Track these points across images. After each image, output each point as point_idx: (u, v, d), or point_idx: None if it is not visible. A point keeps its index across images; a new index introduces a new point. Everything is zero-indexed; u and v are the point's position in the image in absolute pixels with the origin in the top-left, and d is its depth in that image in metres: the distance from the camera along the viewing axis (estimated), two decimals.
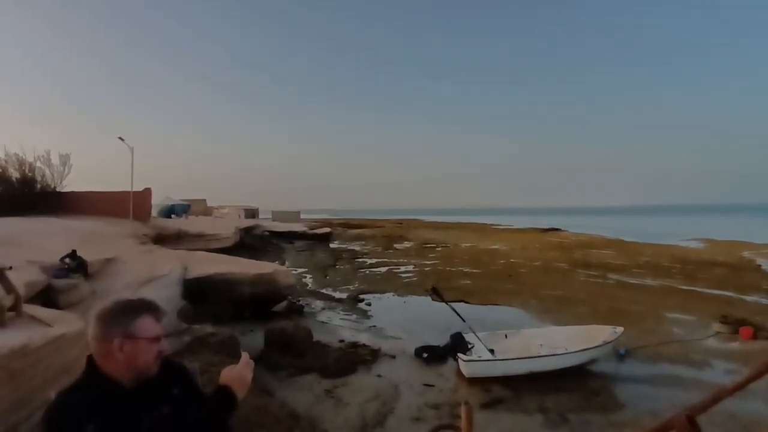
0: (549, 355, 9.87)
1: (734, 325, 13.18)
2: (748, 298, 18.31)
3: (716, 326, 13.46)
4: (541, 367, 9.65)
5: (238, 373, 1.92)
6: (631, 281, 22.35)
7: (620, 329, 10.76)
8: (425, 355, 10.99)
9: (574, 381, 9.56)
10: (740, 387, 1.19)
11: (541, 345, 10.81)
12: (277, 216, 70.69)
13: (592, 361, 10.18)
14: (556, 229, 66.98)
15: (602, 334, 10.72)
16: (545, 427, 7.76)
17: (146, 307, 1.83)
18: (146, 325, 1.77)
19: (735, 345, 12.26)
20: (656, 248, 38.80)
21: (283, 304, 15.61)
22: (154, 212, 36.59)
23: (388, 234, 58.02)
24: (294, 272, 22.27)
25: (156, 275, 13.00)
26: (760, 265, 28.15)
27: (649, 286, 21.16)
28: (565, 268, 26.71)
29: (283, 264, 26.20)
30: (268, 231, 44.36)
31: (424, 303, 17.55)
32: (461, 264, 29.03)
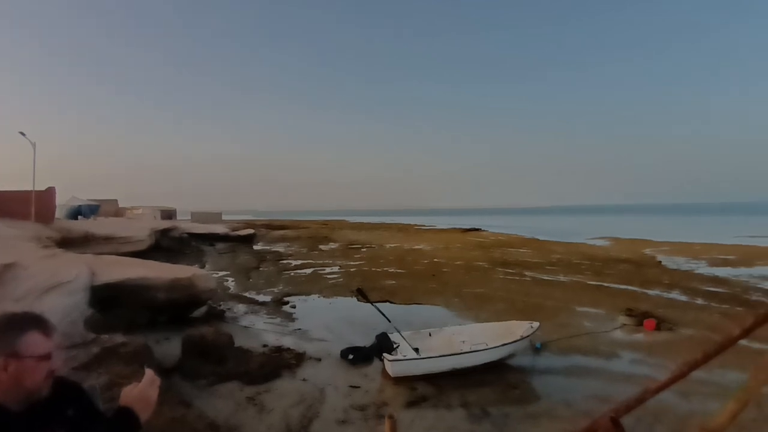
0: (471, 352, 10.16)
1: (639, 317, 14.24)
2: (651, 292, 19.86)
3: (622, 319, 14.48)
4: (463, 364, 9.91)
5: (141, 393, 1.75)
6: (545, 278, 23.56)
7: (536, 324, 11.28)
8: (351, 356, 10.94)
9: (494, 375, 9.91)
10: (663, 388, 1.24)
11: (463, 342, 11.11)
12: (197, 217, 67.86)
13: (511, 355, 10.61)
14: (477, 229, 69.37)
15: (520, 329, 11.19)
16: (468, 422, 7.96)
17: (33, 322, 1.62)
18: (33, 342, 1.57)
19: (639, 336, 13.25)
20: (568, 246, 41.22)
21: (203, 309, 14.97)
22: (58, 213, 33.87)
23: (314, 235, 57.51)
24: (214, 275, 21.43)
25: (60, 281, 11.99)
26: (660, 261, 30.66)
27: (561, 282, 22.41)
28: (485, 267, 27.70)
29: (203, 267, 25.17)
30: (186, 233, 42.44)
31: (350, 304, 17.51)
32: (386, 264, 29.30)
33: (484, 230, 68.18)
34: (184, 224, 50.42)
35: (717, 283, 22.18)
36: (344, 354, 11.11)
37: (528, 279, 23.30)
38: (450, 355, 10.04)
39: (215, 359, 10.12)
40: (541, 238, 51.13)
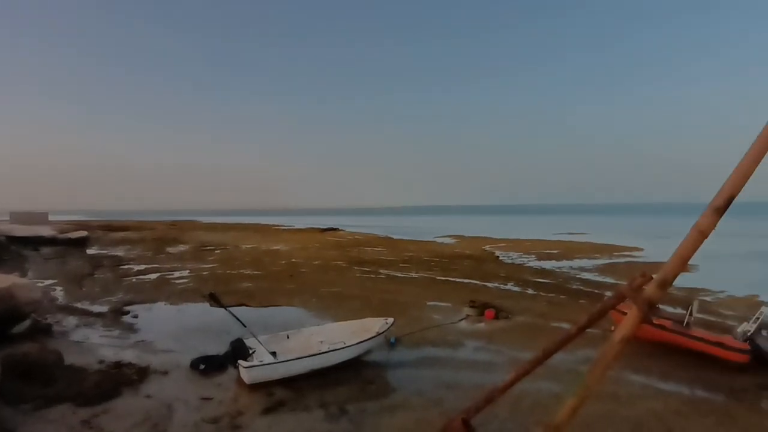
0: (328, 352, 10.21)
1: (480, 308, 15.57)
2: (490, 284, 21.84)
3: (466, 310, 15.70)
4: (322, 364, 9.93)
5: None
6: (399, 275, 24.66)
7: (391, 320, 11.72)
8: (203, 366, 10.33)
9: (351, 373, 10.09)
10: (508, 387, 1.33)
11: (321, 342, 11.13)
12: (17, 218, 58.70)
13: (368, 351, 10.89)
14: (335, 229, 70.20)
15: (376, 325, 11.54)
16: (326, 422, 7.99)
17: None
18: None
19: (481, 325, 14.48)
20: (419, 245, 43.63)
21: (26, 323, 12.98)
22: None
23: (160, 237, 53.23)
24: (39, 285, 18.74)
25: None
26: (498, 257, 33.89)
27: (413, 278, 23.64)
28: (343, 266, 28.13)
29: (24, 275, 21.85)
30: (4, 236, 36.55)
31: (201, 310, 16.52)
32: (242, 266, 28.25)
33: (341, 230, 69.20)
34: (1, 226, 43.47)
35: (544, 274, 25.17)
36: (195, 364, 10.45)
37: (383, 276, 24.15)
38: (307, 356, 9.99)
39: (42, 380, 8.87)
40: (395, 237, 53.41)
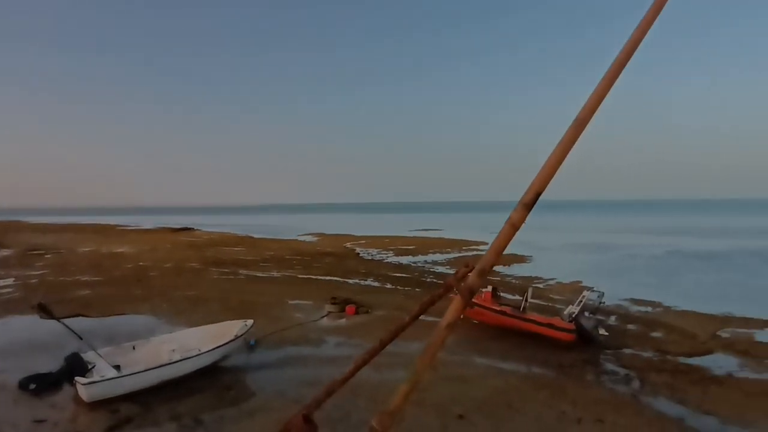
0: (181, 360, 9.62)
1: (341, 304, 15.83)
2: (351, 281, 22.30)
3: (328, 307, 15.86)
4: (174, 374, 9.32)
5: None
6: (259, 275, 24.05)
7: (250, 321, 11.40)
8: (33, 386, 9.11)
9: (207, 380, 9.63)
10: (347, 378, 1.38)
11: (173, 350, 10.43)
12: None
13: (226, 357, 10.47)
14: (189, 229, 66.14)
15: (234, 328, 11.13)
16: None
17: None
18: None
19: (343, 321, 14.72)
20: (281, 243, 42.98)
21: None
22: None
23: None
24: None
25: None
26: (358, 253, 34.69)
27: (275, 277, 23.24)
28: (198, 268, 26.65)
29: None
30: None
31: (29, 323, 14.47)
32: (79, 272, 25.29)
33: (196, 229, 65.41)
34: None
35: (401, 269, 26.38)
36: (24, 384, 9.17)
37: (242, 277, 23.37)
38: (156, 367, 9.30)
39: None
40: (255, 236, 51.90)
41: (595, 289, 14.41)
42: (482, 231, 53.53)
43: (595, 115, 1.21)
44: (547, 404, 8.98)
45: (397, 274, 24.23)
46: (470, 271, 1.29)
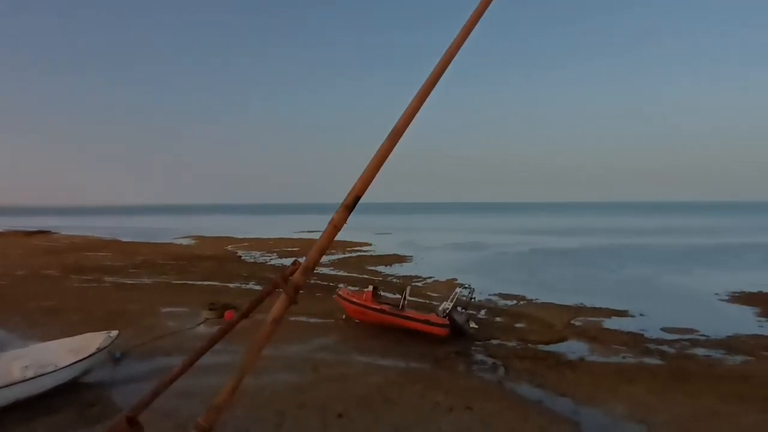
0: (35, 377, 8.69)
1: (220, 310, 15.23)
2: (232, 285, 21.54)
3: (206, 313, 15.20)
4: (27, 393, 8.40)
5: None
6: (128, 282, 22.35)
7: (115, 332, 10.57)
8: None
9: (67, 398, 8.79)
10: (176, 377, 1.40)
11: (26, 367, 9.36)
12: None
13: (87, 371, 9.62)
14: (46, 232, 59.39)
15: (96, 341, 10.24)
16: None
17: None
18: None
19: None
20: (154, 247, 40.21)
21: None
22: None
23: None
24: None
25: None
26: (240, 256, 33.59)
27: (145, 284, 21.73)
28: (57, 275, 24.10)
29: None
30: None
31: None
32: None
33: (54, 233, 58.90)
34: None
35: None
36: None
37: (108, 284, 21.55)
38: (6, 386, 8.32)
39: None
40: (123, 239, 48.03)
41: (466, 285, 15.45)
42: (365, 232, 54.53)
43: (410, 125, 1.32)
44: (422, 396, 9.47)
45: None
46: (297, 269, 1.39)
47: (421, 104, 1.33)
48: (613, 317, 16.57)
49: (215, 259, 31.37)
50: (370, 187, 1.39)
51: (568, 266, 29.69)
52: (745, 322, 16.20)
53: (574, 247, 40.82)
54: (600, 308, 17.72)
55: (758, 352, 12.70)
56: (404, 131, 1.33)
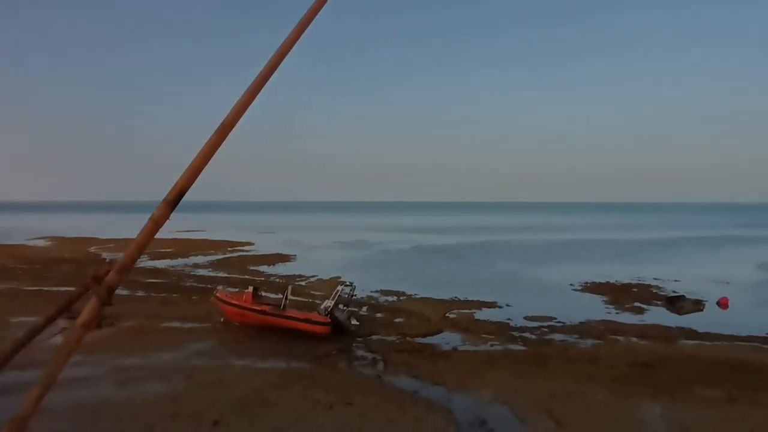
0: None
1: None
2: None
3: (63, 322, 13.73)
4: None
5: None
6: None
7: None
8: None
9: None
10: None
11: None
12: None
13: None
14: None
15: None
16: None
17: None
18: None
19: (85, 337, 12.95)
20: (2, 249, 35.51)
21: None
22: None
23: None
24: None
25: None
26: (105, 259, 30.79)
27: None
28: None
29: None
30: None
31: None
32: None
33: None
34: None
35: (157, 274, 24.43)
36: None
37: None
38: None
39: None
40: None
41: (348, 283, 15.70)
42: (247, 232, 52.92)
43: (240, 120, 1.29)
44: (302, 395, 9.47)
45: (152, 280, 22.40)
46: (111, 269, 1.32)
47: (253, 99, 1.31)
48: (483, 308, 17.85)
49: (75, 262, 28.54)
50: (196, 181, 1.31)
51: (445, 262, 31.35)
52: (595, 309, 18.37)
53: (451, 244, 43.22)
54: (472, 301, 18.97)
55: (606, 336, 14.46)
56: (234, 126, 1.30)
